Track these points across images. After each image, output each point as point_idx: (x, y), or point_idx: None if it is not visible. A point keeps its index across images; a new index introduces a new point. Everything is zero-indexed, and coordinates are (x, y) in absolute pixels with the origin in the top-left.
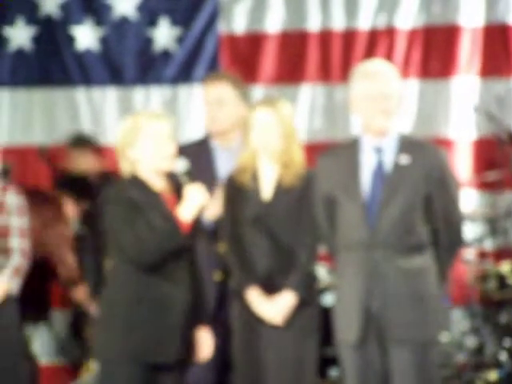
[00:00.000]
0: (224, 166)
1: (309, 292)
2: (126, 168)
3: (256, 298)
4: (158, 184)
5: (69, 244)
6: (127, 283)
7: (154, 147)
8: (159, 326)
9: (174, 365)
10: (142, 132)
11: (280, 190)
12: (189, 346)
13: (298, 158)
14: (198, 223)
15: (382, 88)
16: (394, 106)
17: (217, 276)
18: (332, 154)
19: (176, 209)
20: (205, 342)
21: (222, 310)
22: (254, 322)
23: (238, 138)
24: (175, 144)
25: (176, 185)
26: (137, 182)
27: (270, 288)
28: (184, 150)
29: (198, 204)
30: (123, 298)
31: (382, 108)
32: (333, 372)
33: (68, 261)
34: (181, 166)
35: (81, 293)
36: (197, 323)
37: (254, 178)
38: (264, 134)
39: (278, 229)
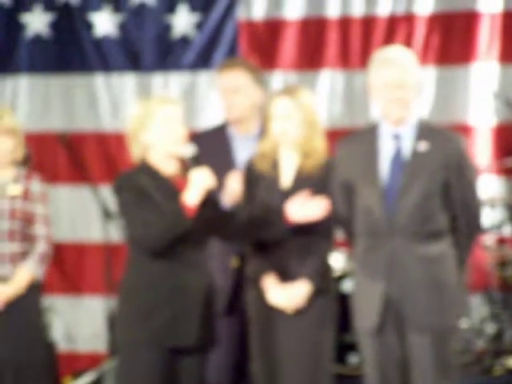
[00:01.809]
0: (242, 153)
1: (324, 280)
2: (137, 153)
3: (271, 286)
4: (170, 169)
5: None
6: (144, 270)
7: (165, 131)
8: (177, 310)
9: (195, 349)
10: (153, 116)
11: (300, 179)
12: (209, 329)
13: (320, 147)
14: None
15: (399, 76)
16: (411, 93)
17: (234, 262)
18: (351, 140)
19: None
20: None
21: (239, 297)
22: (269, 310)
23: (256, 125)
24: (185, 128)
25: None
26: (147, 168)
27: (287, 276)
28: (202, 137)
29: (202, 188)
30: (141, 285)
31: (397, 96)
32: (353, 358)
33: None
34: (188, 150)
35: None
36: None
37: (274, 166)
38: (284, 123)
39: None
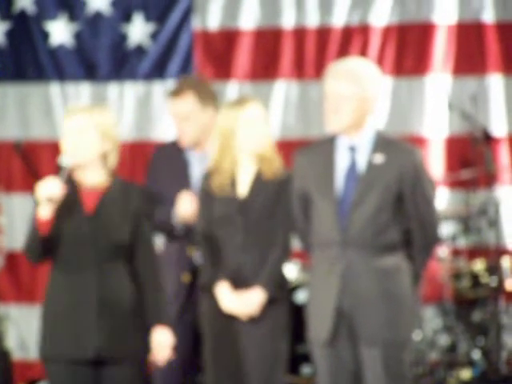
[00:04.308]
0: (197, 168)
1: (279, 290)
2: None
3: (225, 293)
4: (89, 178)
5: None
6: (49, 282)
7: (64, 142)
8: (72, 323)
9: (114, 360)
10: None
11: (256, 188)
12: (117, 339)
13: (272, 153)
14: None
15: (337, 89)
16: (365, 106)
17: (185, 278)
18: (308, 151)
19: (94, 204)
20: (159, 343)
21: (190, 311)
22: (223, 319)
23: (210, 143)
24: (75, 139)
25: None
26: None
27: (241, 284)
28: (160, 151)
29: (47, 199)
30: (45, 298)
31: (332, 109)
32: (305, 369)
33: None
34: (62, 161)
35: None
36: (138, 320)
37: (232, 177)
38: (250, 131)
39: (252, 226)
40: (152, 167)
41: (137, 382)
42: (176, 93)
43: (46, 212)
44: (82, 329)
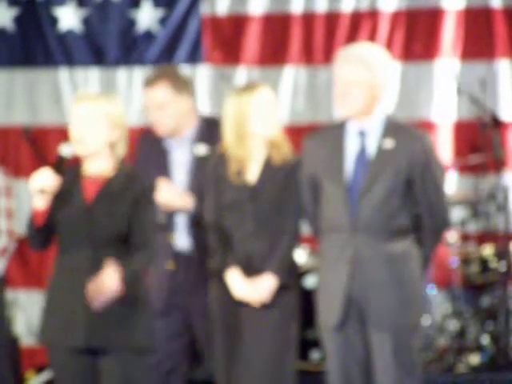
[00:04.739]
0: (177, 154)
1: (289, 276)
2: None
3: (236, 279)
4: (95, 167)
5: None
6: (52, 269)
7: (72, 130)
8: (65, 311)
9: (111, 349)
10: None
11: (265, 174)
12: (106, 329)
13: (282, 139)
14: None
15: (348, 74)
16: (375, 91)
17: (169, 265)
18: (318, 136)
19: (94, 193)
20: (102, 279)
21: (176, 298)
22: (232, 304)
23: (188, 129)
24: (83, 128)
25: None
26: (79, 164)
27: (251, 271)
28: (143, 137)
29: (40, 190)
30: (49, 284)
31: (341, 94)
32: (315, 354)
33: None
34: (61, 150)
35: None
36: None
37: (241, 161)
38: (263, 117)
39: (262, 212)
40: (137, 155)
41: (136, 373)
42: (149, 83)
43: (39, 203)
44: (73, 317)
